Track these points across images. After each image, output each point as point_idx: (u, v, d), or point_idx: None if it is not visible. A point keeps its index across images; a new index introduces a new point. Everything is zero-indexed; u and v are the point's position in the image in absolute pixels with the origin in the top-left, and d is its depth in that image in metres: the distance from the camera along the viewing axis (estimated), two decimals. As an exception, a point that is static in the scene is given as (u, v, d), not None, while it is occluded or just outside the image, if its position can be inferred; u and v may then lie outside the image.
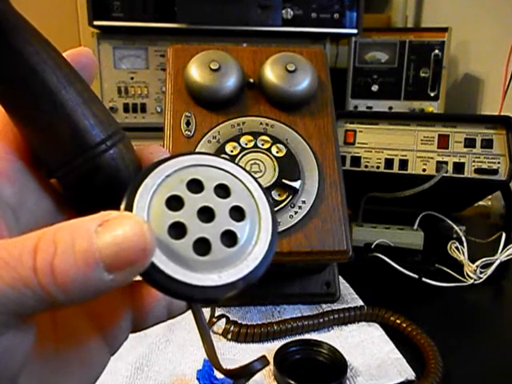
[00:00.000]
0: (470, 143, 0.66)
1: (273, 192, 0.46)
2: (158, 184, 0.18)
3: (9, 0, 0.16)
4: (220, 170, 0.19)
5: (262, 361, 0.18)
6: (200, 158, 0.19)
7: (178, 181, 0.18)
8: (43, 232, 0.15)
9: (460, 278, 0.58)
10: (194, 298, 0.17)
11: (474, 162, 0.66)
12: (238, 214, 0.18)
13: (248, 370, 0.18)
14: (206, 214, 0.18)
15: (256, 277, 0.17)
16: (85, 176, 0.18)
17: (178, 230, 0.17)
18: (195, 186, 0.18)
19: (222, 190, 0.19)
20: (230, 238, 0.18)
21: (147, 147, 0.21)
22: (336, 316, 0.45)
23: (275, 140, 0.48)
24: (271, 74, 0.49)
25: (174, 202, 0.18)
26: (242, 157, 0.47)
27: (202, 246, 0.17)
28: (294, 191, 0.46)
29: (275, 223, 0.19)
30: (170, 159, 0.19)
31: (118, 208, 0.17)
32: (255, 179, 0.20)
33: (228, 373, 0.18)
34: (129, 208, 0.17)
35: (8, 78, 0.17)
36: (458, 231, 0.69)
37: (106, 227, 0.15)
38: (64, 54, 0.19)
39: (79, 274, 0.14)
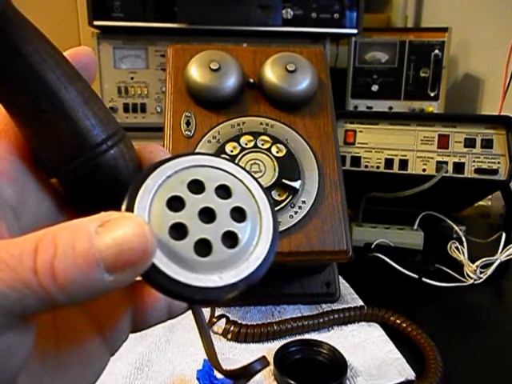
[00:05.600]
0: (470, 143, 0.66)
1: (273, 192, 0.46)
2: (158, 185, 0.18)
3: None
4: (221, 170, 0.19)
5: (262, 361, 0.18)
6: (201, 159, 0.19)
7: (179, 181, 0.18)
8: (43, 233, 0.15)
9: (460, 278, 0.58)
10: (195, 299, 0.17)
11: (474, 162, 0.66)
12: (239, 214, 0.18)
13: (248, 371, 0.18)
14: (207, 215, 0.18)
15: (257, 278, 0.17)
16: (85, 176, 0.18)
17: (178, 230, 0.17)
18: (196, 186, 0.18)
19: (223, 191, 0.19)
20: (230, 239, 0.18)
21: (147, 146, 0.21)
22: (336, 316, 0.45)
23: (275, 140, 0.48)
24: (271, 74, 0.49)
25: (175, 203, 0.18)
26: (242, 157, 0.47)
27: (203, 247, 0.17)
28: (294, 191, 0.46)
29: (276, 224, 0.19)
30: (171, 160, 0.19)
31: (118, 208, 0.17)
32: (256, 180, 0.20)
33: (228, 373, 0.18)
34: (130, 209, 0.17)
35: (8, 77, 0.17)
36: (458, 231, 0.69)
37: (106, 228, 0.14)
38: (65, 53, 0.19)
39: (79, 275, 0.14)
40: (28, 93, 0.17)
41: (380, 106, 1.10)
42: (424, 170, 0.67)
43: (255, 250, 0.18)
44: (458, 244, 0.64)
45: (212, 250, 0.17)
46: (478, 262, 0.58)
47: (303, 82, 0.49)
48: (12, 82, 0.17)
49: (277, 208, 0.45)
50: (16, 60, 0.16)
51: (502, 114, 0.89)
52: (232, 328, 0.43)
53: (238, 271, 0.17)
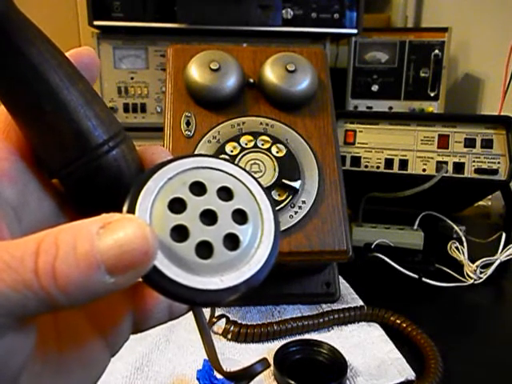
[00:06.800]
0: (470, 143, 0.66)
1: (273, 192, 0.46)
2: (160, 186, 0.18)
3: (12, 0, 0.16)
4: (223, 172, 0.19)
5: (263, 363, 0.18)
6: (202, 161, 0.19)
7: (181, 183, 0.18)
8: (45, 234, 0.15)
9: (460, 278, 0.58)
10: (196, 301, 0.17)
11: (474, 162, 0.66)
12: (240, 217, 0.18)
13: (249, 373, 0.18)
14: (209, 217, 0.18)
15: (258, 280, 0.17)
16: (87, 177, 0.18)
17: (180, 232, 0.17)
18: (198, 188, 0.18)
19: (225, 193, 0.18)
20: (232, 242, 0.18)
21: (149, 148, 0.21)
22: (336, 316, 0.45)
23: (275, 140, 0.48)
24: (271, 74, 0.49)
25: (177, 205, 0.17)
26: (242, 157, 0.47)
27: (205, 250, 0.17)
28: (294, 191, 0.46)
29: (278, 226, 0.19)
30: (173, 161, 0.18)
31: (120, 210, 0.17)
32: (258, 182, 0.20)
33: (229, 375, 0.18)
34: (131, 210, 0.17)
35: (10, 78, 0.17)
36: (458, 231, 0.69)
37: (107, 229, 0.14)
38: (66, 54, 0.19)
39: (81, 277, 0.14)
40: (30, 93, 0.17)
41: (380, 106, 1.10)
42: (424, 170, 0.67)
43: (256, 252, 0.18)
44: (458, 244, 0.64)
45: (213, 253, 0.17)
46: (478, 262, 0.58)
47: (303, 82, 0.49)
48: (14, 82, 0.17)
49: (277, 208, 0.45)
50: (18, 60, 0.16)
51: (502, 114, 0.89)
52: (232, 328, 0.43)
53: (239, 274, 0.17)
